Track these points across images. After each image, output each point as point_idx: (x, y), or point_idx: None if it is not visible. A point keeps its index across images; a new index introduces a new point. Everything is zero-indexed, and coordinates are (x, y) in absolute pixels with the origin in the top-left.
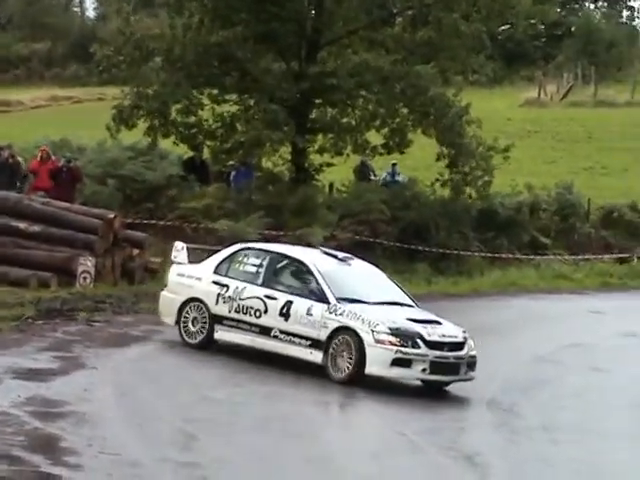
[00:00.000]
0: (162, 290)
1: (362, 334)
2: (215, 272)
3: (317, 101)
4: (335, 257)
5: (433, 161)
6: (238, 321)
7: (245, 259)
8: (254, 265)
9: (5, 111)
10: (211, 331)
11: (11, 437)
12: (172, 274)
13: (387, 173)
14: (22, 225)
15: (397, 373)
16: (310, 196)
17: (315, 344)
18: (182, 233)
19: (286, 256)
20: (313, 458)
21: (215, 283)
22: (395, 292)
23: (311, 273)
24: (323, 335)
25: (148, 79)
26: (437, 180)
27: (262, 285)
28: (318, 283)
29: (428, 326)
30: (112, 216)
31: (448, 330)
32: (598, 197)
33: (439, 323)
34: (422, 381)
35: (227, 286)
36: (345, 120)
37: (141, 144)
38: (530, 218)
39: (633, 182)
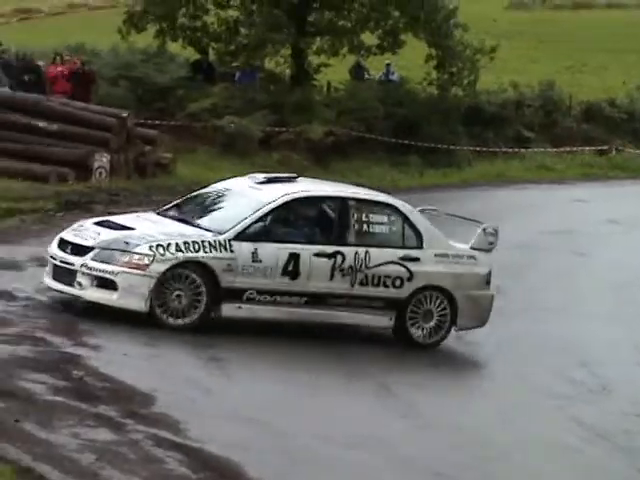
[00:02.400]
0: None
1: None
2: None
3: (315, 5)
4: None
5: (423, 61)
6: None
7: None
8: None
9: (25, 18)
10: None
11: (35, 320)
12: None
13: (382, 73)
14: (42, 123)
15: None
16: (309, 95)
17: None
18: (191, 131)
19: None
20: None
21: None
22: None
23: None
24: None
25: None
26: (425, 79)
27: None
28: None
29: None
30: (125, 115)
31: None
32: (579, 94)
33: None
34: None
35: None
36: (341, 23)
37: (152, 48)
38: (515, 114)
39: (612, 80)
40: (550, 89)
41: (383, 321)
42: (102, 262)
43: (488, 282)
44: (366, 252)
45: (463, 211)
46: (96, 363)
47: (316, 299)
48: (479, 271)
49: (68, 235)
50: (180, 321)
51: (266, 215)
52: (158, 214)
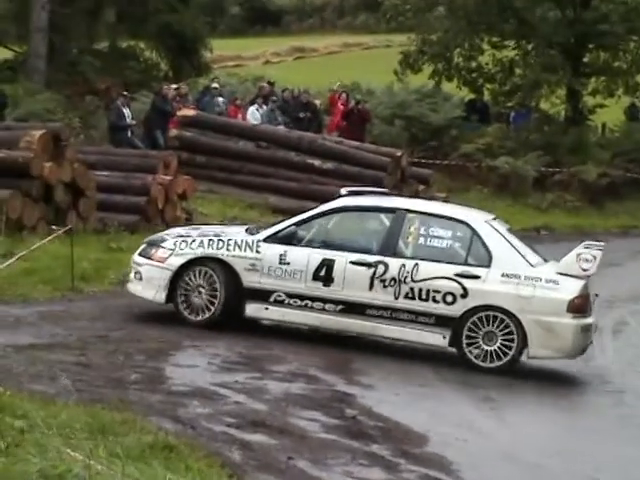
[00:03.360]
0: None
1: None
2: None
3: (590, 45)
4: None
5: None
6: None
7: None
8: None
9: (300, 57)
10: None
11: (308, 358)
12: None
13: None
14: (316, 162)
15: None
16: (584, 135)
17: None
18: (465, 171)
19: None
20: None
21: None
22: None
23: None
24: None
25: (432, 26)
26: None
27: None
28: None
29: None
30: (399, 154)
31: None
32: None
33: None
34: None
35: None
36: (617, 63)
37: (426, 87)
38: None
39: None
40: None
41: (437, 339)
42: (142, 256)
43: (573, 310)
44: (415, 264)
45: None
46: (369, 402)
47: (353, 308)
48: (558, 296)
49: None
50: (199, 317)
51: (305, 220)
52: None
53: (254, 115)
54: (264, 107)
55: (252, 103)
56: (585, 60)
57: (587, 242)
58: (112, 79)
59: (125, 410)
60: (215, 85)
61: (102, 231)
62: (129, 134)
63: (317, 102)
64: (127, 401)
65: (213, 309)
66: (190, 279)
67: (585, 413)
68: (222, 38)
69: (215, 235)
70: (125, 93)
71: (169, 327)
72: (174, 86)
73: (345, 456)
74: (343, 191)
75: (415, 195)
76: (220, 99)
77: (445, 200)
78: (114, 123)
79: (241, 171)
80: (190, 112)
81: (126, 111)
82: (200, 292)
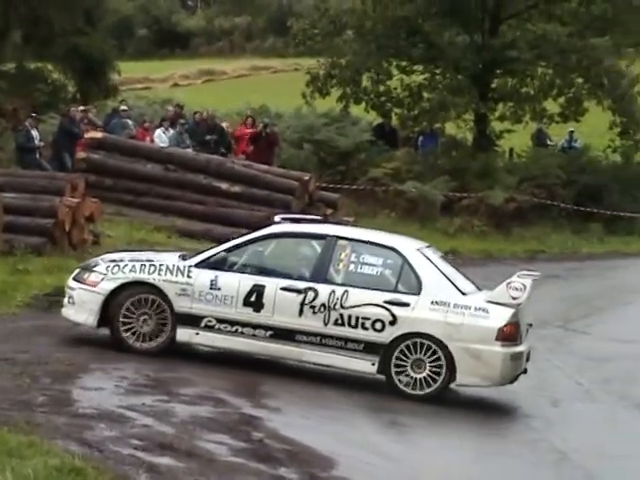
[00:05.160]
0: None
1: None
2: None
3: (498, 71)
4: None
5: (606, 129)
6: None
7: None
8: None
9: (209, 80)
10: None
11: (217, 381)
12: None
13: (565, 140)
14: (224, 185)
15: None
16: (491, 160)
17: None
18: (373, 195)
19: None
20: None
21: None
22: None
23: None
24: None
25: (341, 50)
26: (609, 147)
27: None
28: None
29: None
30: (307, 178)
31: None
32: None
33: None
34: None
35: None
36: (524, 89)
37: (334, 111)
38: None
39: None
40: None
41: (365, 366)
42: (75, 281)
43: (502, 338)
44: (345, 291)
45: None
46: (276, 425)
47: (282, 334)
48: (487, 324)
49: None
50: (138, 344)
51: (237, 246)
52: None
53: (161, 138)
54: (170, 130)
55: (159, 126)
56: (493, 85)
57: (521, 272)
58: (20, 100)
59: (32, 433)
60: (123, 107)
61: (9, 253)
62: (37, 156)
63: (225, 125)
64: (34, 424)
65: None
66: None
67: (494, 438)
68: (130, 60)
69: (147, 260)
70: (34, 114)
71: (76, 350)
72: (82, 108)
73: (252, 479)
74: (277, 218)
75: (325, 218)
76: (128, 121)
77: (353, 224)
78: (22, 145)
79: (149, 194)
80: (98, 134)
81: (34, 133)
82: (145, 319)
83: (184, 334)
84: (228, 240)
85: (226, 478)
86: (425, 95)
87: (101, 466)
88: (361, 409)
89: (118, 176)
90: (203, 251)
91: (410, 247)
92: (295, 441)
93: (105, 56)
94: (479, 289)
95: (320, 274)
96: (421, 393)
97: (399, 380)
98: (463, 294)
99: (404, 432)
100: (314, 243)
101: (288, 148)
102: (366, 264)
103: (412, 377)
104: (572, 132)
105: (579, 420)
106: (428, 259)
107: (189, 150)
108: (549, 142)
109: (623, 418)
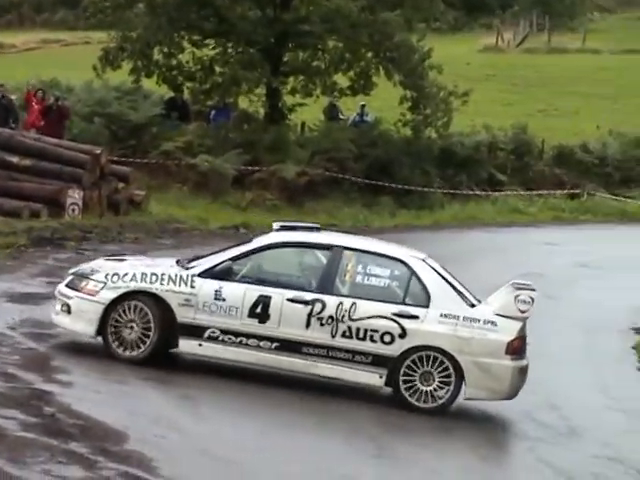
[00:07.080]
0: None
1: None
2: None
3: (290, 45)
4: None
5: (397, 103)
6: None
7: None
8: None
9: None
10: None
11: (7, 356)
12: None
13: (357, 114)
14: (15, 159)
15: None
16: (283, 134)
17: None
18: (165, 169)
19: None
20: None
21: None
22: None
23: None
24: None
25: (132, 23)
26: (399, 121)
27: None
28: None
29: None
30: (99, 151)
31: None
32: (551, 138)
33: None
34: None
35: None
36: (315, 63)
37: (126, 85)
38: (488, 156)
39: (583, 124)
40: (523, 132)
41: (373, 378)
42: (69, 288)
43: (511, 352)
44: (353, 303)
45: (435, 253)
46: (68, 400)
47: (288, 346)
48: (497, 338)
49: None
50: (128, 353)
51: (240, 256)
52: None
53: None
54: None
55: None
56: (285, 59)
57: (516, 281)
58: None
59: None
60: None
61: None
62: None
63: (13, 97)
64: None
65: (146, 345)
66: (122, 313)
67: (283, 409)
68: None
69: (147, 266)
70: None
71: None
72: None
73: (44, 454)
74: (275, 225)
75: (117, 191)
76: None
77: (145, 197)
78: None
79: None
80: None
81: None
82: (132, 327)
83: (187, 345)
84: (229, 247)
85: (17, 453)
86: (217, 69)
87: None
88: (151, 383)
89: None
90: (201, 257)
91: (416, 258)
92: (87, 416)
93: None
94: (479, 301)
95: (327, 285)
96: (429, 406)
97: (407, 393)
98: (471, 306)
99: (195, 405)
100: (319, 253)
101: (79, 122)
102: (373, 275)
103: (420, 390)
104: (364, 106)
105: None
106: (434, 270)
107: None
108: (341, 116)
109: None
